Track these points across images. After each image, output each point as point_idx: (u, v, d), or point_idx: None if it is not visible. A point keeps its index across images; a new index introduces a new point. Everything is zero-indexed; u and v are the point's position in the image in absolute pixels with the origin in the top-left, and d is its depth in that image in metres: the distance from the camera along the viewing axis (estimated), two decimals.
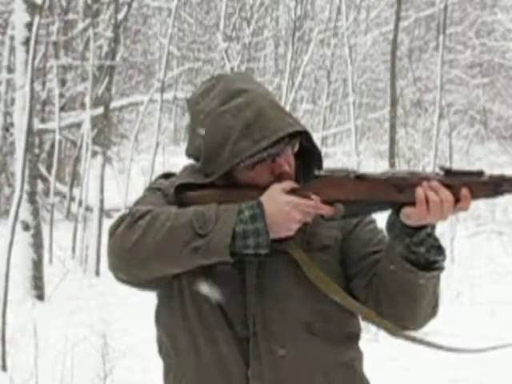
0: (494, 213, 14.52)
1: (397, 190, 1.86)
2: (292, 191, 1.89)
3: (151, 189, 2.05)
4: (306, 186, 1.92)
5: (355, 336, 2.05)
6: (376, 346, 6.68)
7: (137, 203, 2.00)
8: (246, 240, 1.83)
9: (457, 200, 1.83)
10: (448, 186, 1.83)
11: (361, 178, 1.89)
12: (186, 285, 1.97)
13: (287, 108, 11.26)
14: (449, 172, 1.86)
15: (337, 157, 19.73)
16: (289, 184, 1.91)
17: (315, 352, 1.95)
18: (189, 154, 2.03)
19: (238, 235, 1.83)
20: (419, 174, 1.87)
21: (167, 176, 2.10)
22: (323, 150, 14.51)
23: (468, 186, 1.83)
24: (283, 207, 1.86)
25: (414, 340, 1.95)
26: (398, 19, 11.35)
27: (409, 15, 17.24)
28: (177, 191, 1.97)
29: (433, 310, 1.97)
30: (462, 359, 6.46)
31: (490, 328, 7.29)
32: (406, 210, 1.85)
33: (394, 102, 11.18)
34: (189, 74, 20.33)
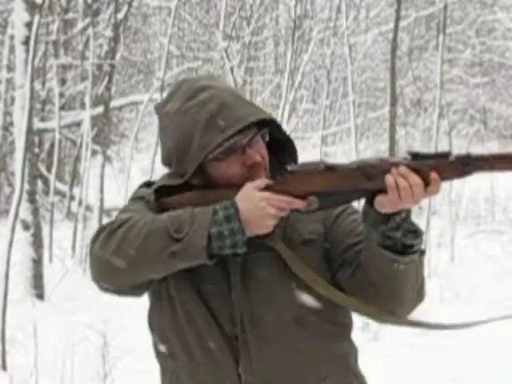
0: (493, 212, 14.51)
1: (367, 178, 1.87)
2: (266, 188, 1.91)
3: (134, 198, 2.06)
4: (279, 181, 1.93)
5: (346, 328, 2.05)
6: (376, 344, 6.66)
7: (120, 213, 2.01)
8: (222, 241, 1.84)
9: (427, 183, 1.83)
10: (416, 170, 1.83)
11: (331, 169, 1.90)
12: (172, 287, 1.98)
13: (287, 107, 11.26)
14: (416, 156, 1.86)
15: (337, 156, 19.72)
16: (263, 181, 1.92)
17: (306, 346, 1.96)
18: (163, 162, 2.03)
19: (213, 237, 1.83)
20: (388, 160, 1.87)
21: (149, 185, 2.10)
22: (323, 149, 14.49)
23: (436, 168, 1.83)
24: (258, 204, 1.86)
25: (401, 323, 1.97)
26: (397, 18, 11.30)
27: (409, 14, 17.19)
28: (156, 197, 1.98)
29: (418, 295, 1.97)
30: (463, 358, 6.46)
31: (489, 327, 7.28)
32: (379, 199, 1.85)
33: (393, 102, 11.13)
34: (188, 73, 20.31)
